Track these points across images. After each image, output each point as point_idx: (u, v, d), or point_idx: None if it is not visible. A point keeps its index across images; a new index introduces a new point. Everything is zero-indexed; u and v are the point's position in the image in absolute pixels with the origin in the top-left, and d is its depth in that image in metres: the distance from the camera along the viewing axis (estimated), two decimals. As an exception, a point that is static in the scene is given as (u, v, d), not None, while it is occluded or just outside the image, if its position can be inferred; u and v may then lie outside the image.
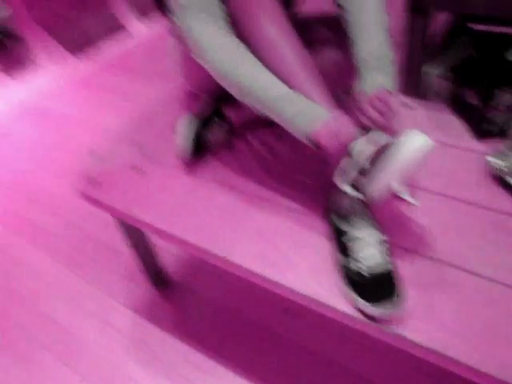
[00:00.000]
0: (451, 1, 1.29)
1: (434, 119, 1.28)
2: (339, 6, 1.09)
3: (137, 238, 1.43)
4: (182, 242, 1.04)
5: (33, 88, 3.35)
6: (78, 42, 3.67)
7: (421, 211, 1.00)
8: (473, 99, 1.19)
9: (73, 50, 3.63)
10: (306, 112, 0.90)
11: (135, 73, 3.27)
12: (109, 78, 3.31)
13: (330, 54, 1.17)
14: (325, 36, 1.17)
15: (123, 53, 3.65)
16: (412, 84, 1.33)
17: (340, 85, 1.21)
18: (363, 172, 0.85)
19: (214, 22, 0.97)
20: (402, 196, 0.91)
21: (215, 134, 1.23)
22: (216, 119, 1.23)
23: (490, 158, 1.11)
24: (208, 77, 1.02)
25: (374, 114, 0.92)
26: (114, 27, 3.84)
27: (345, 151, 0.88)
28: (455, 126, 1.25)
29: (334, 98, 0.96)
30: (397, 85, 0.99)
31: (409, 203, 1.02)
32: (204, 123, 1.21)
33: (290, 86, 0.93)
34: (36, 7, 3.44)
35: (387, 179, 0.81)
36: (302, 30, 1.08)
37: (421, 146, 0.78)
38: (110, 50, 3.71)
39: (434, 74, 1.33)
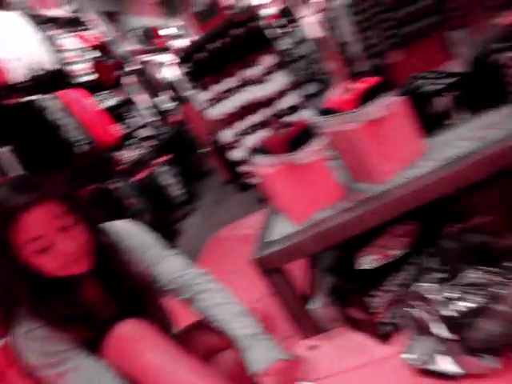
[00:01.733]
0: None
1: (340, 347, 1.37)
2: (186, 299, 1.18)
3: None
4: None
5: None
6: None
7: None
8: (358, 314, 1.31)
9: None
10: None
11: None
12: None
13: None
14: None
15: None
16: (302, 323, 1.46)
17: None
18: None
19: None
20: None
21: None
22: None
23: (404, 356, 1.18)
24: None
25: None
26: None
27: None
28: (361, 343, 1.34)
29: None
30: (281, 351, 1.09)
31: None
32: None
33: None
34: None
35: None
36: (193, 340, 1.19)
37: None
38: None
39: (318, 306, 1.48)
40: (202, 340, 1.20)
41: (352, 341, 1.37)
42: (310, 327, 1.45)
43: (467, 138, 1.35)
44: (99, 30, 4.73)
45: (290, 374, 1.02)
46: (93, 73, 4.25)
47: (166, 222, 4.27)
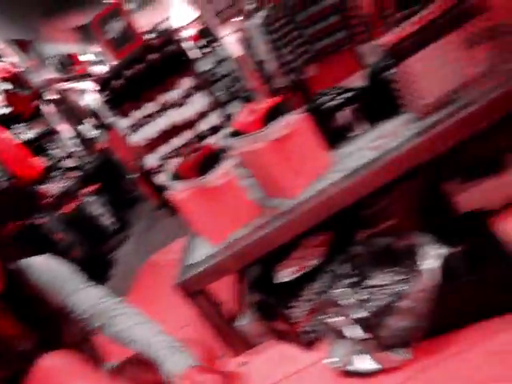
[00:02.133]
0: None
1: (269, 359, 1.41)
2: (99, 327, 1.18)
3: None
4: None
5: None
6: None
7: None
8: (282, 326, 1.36)
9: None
10: None
11: None
12: None
13: None
14: None
15: None
16: (231, 341, 1.49)
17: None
18: None
19: None
20: None
21: None
22: None
23: (326, 361, 1.23)
24: None
25: None
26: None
27: None
28: (288, 354, 1.38)
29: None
30: (197, 359, 1.13)
31: None
32: None
33: None
34: None
35: None
36: (128, 375, 1.20)
37: None
38: None
39: (245, 322, 1.53)
40: (137, 376, 1.19)
41: (280, 352, 1.41)
42: (239, 344, 1.48)
43: (367, 147, 1.45)
44: (9, 60, 4.55)
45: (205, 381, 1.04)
46: (6, 106, 4.07)
47: (98, 253, 4.15)
